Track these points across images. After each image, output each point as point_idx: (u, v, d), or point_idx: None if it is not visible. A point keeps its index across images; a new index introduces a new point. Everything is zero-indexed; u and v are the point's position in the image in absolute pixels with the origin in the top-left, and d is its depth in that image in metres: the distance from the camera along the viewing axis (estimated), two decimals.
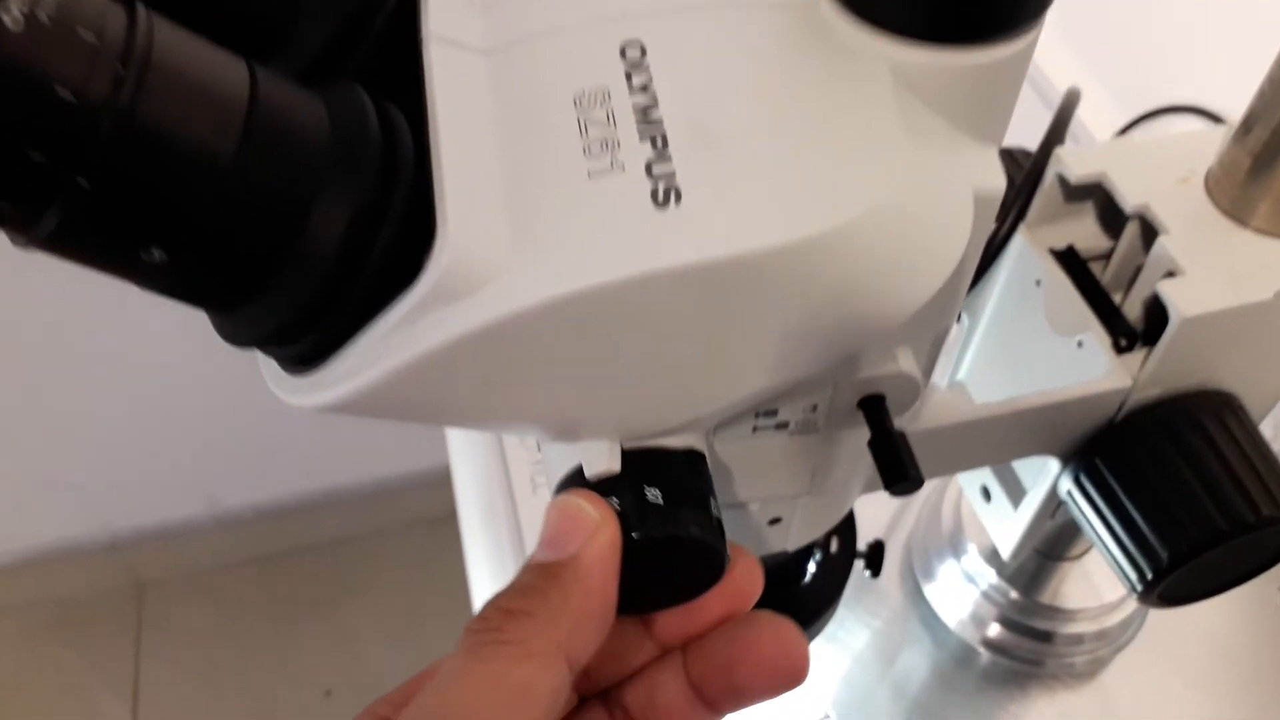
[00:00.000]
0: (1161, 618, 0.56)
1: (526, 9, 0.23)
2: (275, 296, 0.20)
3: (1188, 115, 0.69)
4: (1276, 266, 0.33)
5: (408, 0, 0.23)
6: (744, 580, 0.25)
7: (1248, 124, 0.34)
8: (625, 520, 0.23)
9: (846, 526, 0.42)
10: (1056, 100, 0.35)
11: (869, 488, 0.34)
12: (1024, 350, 0.39)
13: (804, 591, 0.41)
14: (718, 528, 0.24)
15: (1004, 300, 0.39)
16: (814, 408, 0.27)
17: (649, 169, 0.20)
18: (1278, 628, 0.55)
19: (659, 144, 0.20)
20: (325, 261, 0.19)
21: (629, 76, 0.21)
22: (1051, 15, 0.23)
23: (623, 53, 0.21)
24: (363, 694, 0.23)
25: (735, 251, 0.19)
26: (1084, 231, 0.38)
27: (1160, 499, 0.34)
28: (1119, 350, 0.35)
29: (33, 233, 0.17)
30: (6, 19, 0.16)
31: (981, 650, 0.54)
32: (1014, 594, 0.53)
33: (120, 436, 1.23)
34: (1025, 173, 0.35)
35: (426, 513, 1.36)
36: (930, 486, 0.59)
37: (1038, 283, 0.37)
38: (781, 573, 0.40)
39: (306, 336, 0.20)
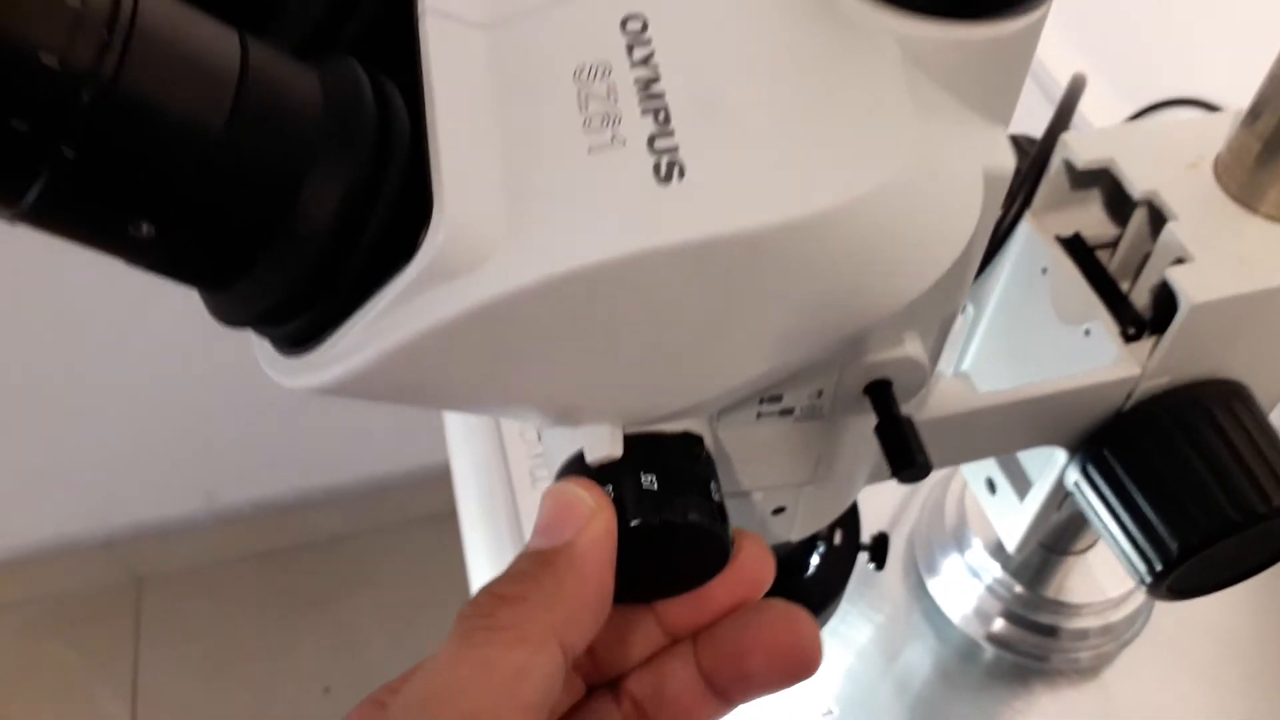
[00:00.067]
0: (1167, 613, 0.55)
1: None
2: (267, 274, 0.19)
3: (1190, 108, 0.69)
4: None
5: None
6: (753, 567, 0.24)
7: (1256, 110, 0.33)
8: (623, 507, 0.22)
9: (850, 518, 0.42)
10: (1058, 93, 0.35)
11: (874, 477, 0.34)
12: (1030, 340, 0.38)
13: (807, 584, 0.41)
14: (720, 513, 0.23)
15: (1009, 289, 0.39)
16: (819, 394, 0.26)
17: (651, 143, 0.19)
18: None
19: (661, 118, 0.19)
20: (318, 238, 0.19)
21: (630, 50, 0.20)
22: (1053, 10, 0.22)
23: (623, 25, 0.21)
24: (362, 691, 0.23)
25: (741, 228, 0.19)
26: (1090, 219, 0.38)
27: (1169, 489, 0.34)
28: (1127, 339, 0.34)
29: (17, 204, 0.17)
30: None
31: (985, 645, 0.54)
32: (1018, 588, 0.53)
33: (118, 432, 1.22)
34: (1031, 158, 0.35)
35: (426, 509, 1.36)
36: (933, 480, 0.59)
37: (1044, 271, 0.37)
38: (785, 565, 0.40)
39: (299, 316, 0.20)
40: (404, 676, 0.24)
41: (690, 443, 0.24)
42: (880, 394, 0.26)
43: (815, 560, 0.41)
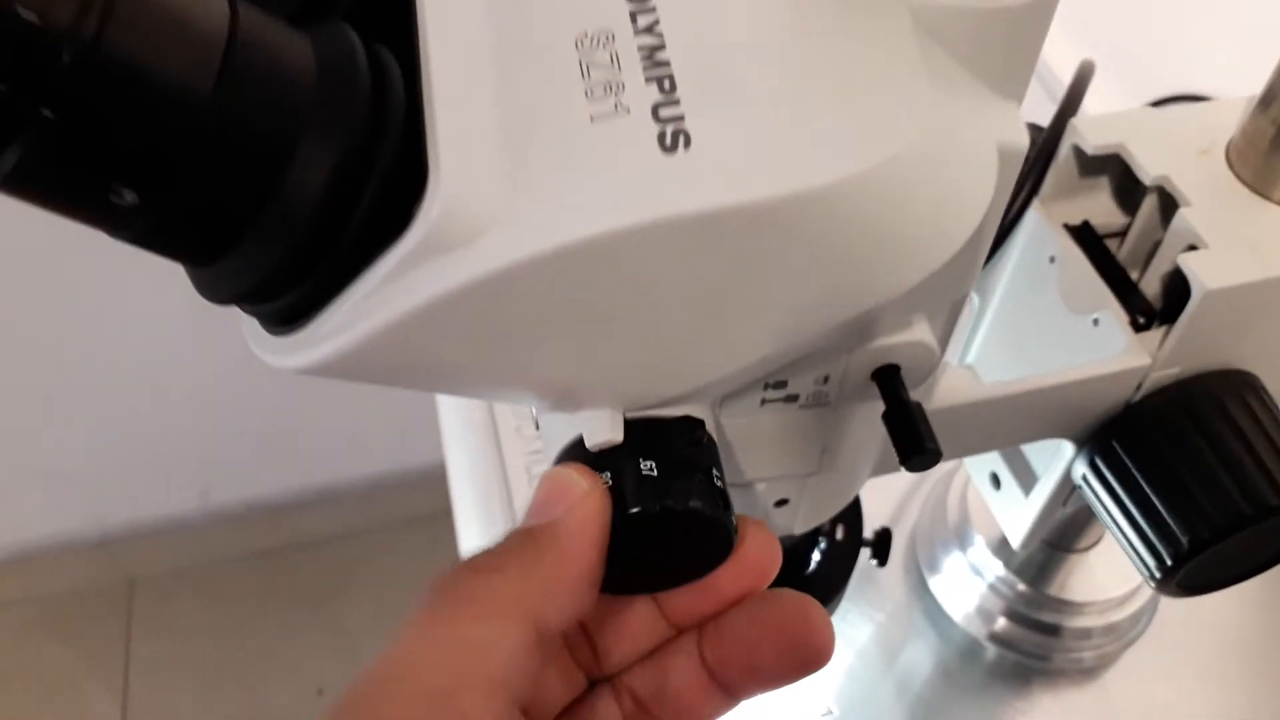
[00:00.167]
0: (1171, 612, 0.55)
1: None
2: (254, 247, 0.18)
3: (1194, 105, 0.68)
4: None
5: None
6: (759, 555, 0.24)
7: (1269, 95, 0.33)
8: (622, 494, 0.22)
9: (853, 513, 0.41)
10: (1060, 90, 0.34)
11: (879, 469, 0.33)
12: (1037, 330, 0.38)
13: (809, 580, 0.40)
14: (723, 500, 0.23)
15: (1016, 278, 0.38)
16: (825, 379, 0.26)
17: (655, 112, 0.18)
18: None
19: (666, 87, 0.19)
20: (308, 210, 0.18)
21: (634, 17, 0.20)
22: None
23: None
24: None
25: (749, 199, 0.18)
26: (1099, 207, 0.37)
27: (1180, 482, 0.33)
28: (1136, 328, 0.34)
29: None
30: None
31: (988, 644, 0.53)
32: (1021, 586, 0.52)
33: (112, 431, 1.21)
34: (1040, 144, 0.34)
35: (421, 509, 1.35)
36: (935, 476, 0.58)
37: (1051, 260, 0.36)
38: (786, 560, 0.39)
39: (288, 292, 0.19)
40: None
41: (692, 426, 0.23)
42: (888, 379, 0.25)
43: (817, 556, 0.41)
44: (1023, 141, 0.22)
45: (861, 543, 0.41)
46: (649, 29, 0.19)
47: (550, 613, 0.20)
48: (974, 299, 0.41)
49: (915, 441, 0.24)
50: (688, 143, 0.18)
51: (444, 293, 0.18)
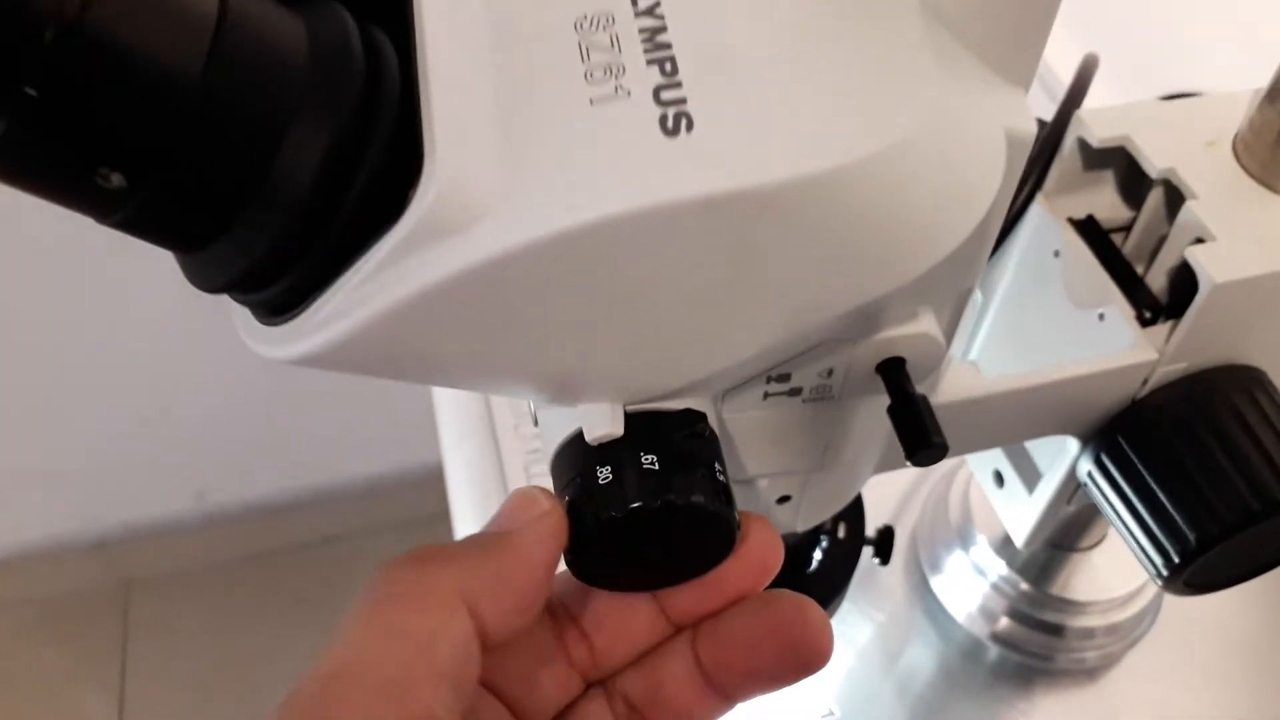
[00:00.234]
0: (1174, 613, 0.54)
1: None
2: (245, 233, 0.18)
3: (1200, 98, 0.68)
4: None
5: None
6: (762, 551, 0.23)
7: (1276, 89, 0.32)
8: (622, 488, 0.21)
9: (855, 512, 0.41)
10: (1061, 92, 0.34)
11: (882, 466, 0.32)
12: (1041, 326, 0.37)
13: (811, 579, 0.40)
14: (725, 495, 0.22)
15: (1020, 273, 0.38)
16: (829, 372, 0.25)
17: (657, 95, 0.18)
18: None
19: (668, 69, 0.18)
20: (300, 194, 0.18)
21: None
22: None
23: None
24: None
25: (752, 183, 0.17)
26: (1103, 202, 0.37)
27: (1188, 479, 0.33)
28: (1143, 323, 0.33)
29: None
30: None
31: (990, 645, 0.53)
32: (1024, 585, 0.51)
33: (107, 432, 1.21)
34: (1044, 136, 0.34)
35: (419, 510, 1.34)
36: (937, 475, 0.58)
37: (1056, 254, 0.36)
38: (787, 559, 0.39)
39: (280, 279, 0.19)
40: None
41: (694, 420, 0.22)
42: (893, 372, 0.25)
43: (818, 555, 0.40)
44: (1030, 128, 0.21)
45: (864, 541, 0.41)
46: (650, 10, 0.19)
47: (489, 608, 0.20)
48: (976, 295, 0.40)
49: (922, 435, 0.23)
50: (690, 125, 0.18)
51: (439, 280, 0.18)
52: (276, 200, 0.18)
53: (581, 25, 0.19)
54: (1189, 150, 0.33)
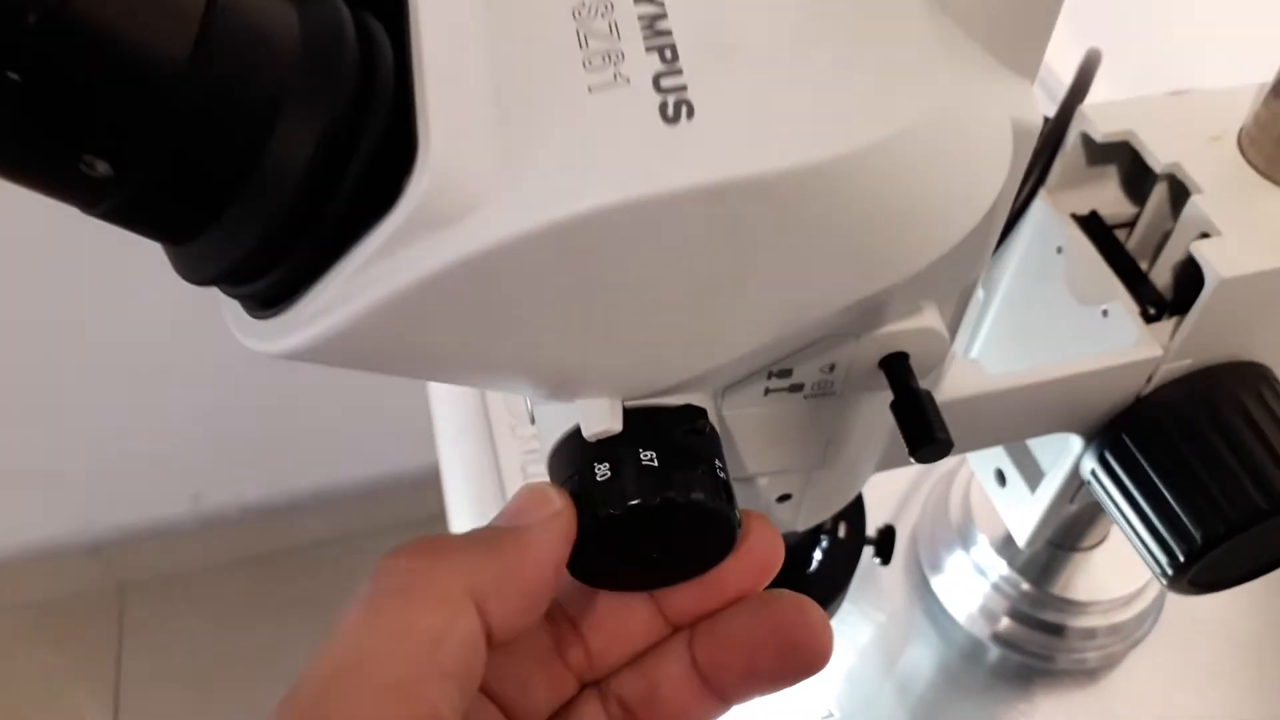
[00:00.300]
0: (1176, 613, 0.54)
1: None
2: (235, 224, 0.17)
3: (1204, 92, 0.68)
4: None
5: None
6: (763, 549, 0.23)
7: None
8: (621, 485, 0.21)
9: (855, 511, 0.40)
10: (1060, 92, 0.34)
11: (883, 464, 0.32)
12: (1044, 322, 0.37)
13: (810, 579, 0.39)
14: (726, 492, 0.22)
15: (1023, 269, 0.37)
16: (831, 368, 0.25)
17: (657, 82, 0.18)
18: None
19: (668, 56, 0.18)
20: (291, 184, 0.17)
21: None
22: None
23: None
24: None
25: (754, 171, 0.17)
26: (1106, 197, 0.36)
27: (1193, 476, 0.32)
28: (1147, 319, 0.33)
29: None
30: None
31: (991, 645, 0.52)
32: (1025, 585, 0.51)
33: (103, 435, 1.20)
34: (1047, 131, 0.33)
35: (416, 513, 1.33)
36: (937, 474, 0.57)
37: (1059, 250, 0.35)
38: (787, 558, 0.38)
39: (271, 272, 0.18)
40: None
41: (694, 416, 0.22)
42: (897, 368, 0.24)
43: (819, 554, 0.40)
44: (1036, 119, 0.21)
45: (865, 541, 0.40)
46: None
47: (498, 612, 0.20)
48: (979, 291, 0.40)
49: (925, 431, 0.23)
50: (690, 113, 0.17)
51: (434, 271, 0.17)
52: (267, 190, 0.17)
53: (579, 12, 0.19)
54: (1193, 145, 0.33)
